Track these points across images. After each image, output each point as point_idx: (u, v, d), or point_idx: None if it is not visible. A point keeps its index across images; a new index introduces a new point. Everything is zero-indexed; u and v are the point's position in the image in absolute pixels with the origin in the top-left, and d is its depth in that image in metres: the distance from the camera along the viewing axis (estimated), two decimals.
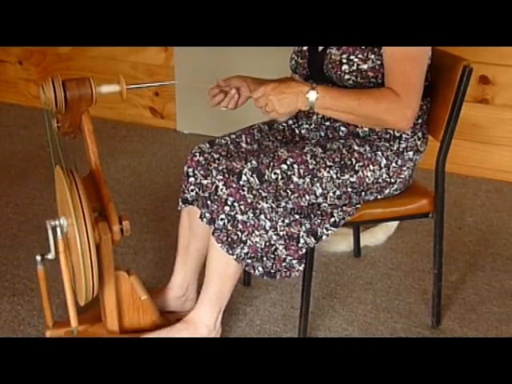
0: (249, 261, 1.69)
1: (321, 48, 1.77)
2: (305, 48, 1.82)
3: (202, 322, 1.76)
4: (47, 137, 1.62)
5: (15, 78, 3.82)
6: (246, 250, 1.67)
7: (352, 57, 1.69)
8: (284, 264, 1.70)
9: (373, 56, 1.68)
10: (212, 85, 1.79)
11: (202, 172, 1.80)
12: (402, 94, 1.61)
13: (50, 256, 1.60)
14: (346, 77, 1.70)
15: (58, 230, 1.56)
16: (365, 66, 1.69)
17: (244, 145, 1.86)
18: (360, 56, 1.68)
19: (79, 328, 1.72)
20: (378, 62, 1.69)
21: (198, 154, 1.81)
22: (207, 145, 1.84)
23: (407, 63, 1.63)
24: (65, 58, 3.63)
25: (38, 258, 1.69)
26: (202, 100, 1.81)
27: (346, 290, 2.18)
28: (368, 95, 1.64)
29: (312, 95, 1.61)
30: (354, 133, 1.77)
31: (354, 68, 1.69)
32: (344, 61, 1.69)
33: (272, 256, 1.69)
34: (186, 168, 1.83)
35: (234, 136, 1.87)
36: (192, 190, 1.83)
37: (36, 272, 1.73)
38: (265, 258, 1.69)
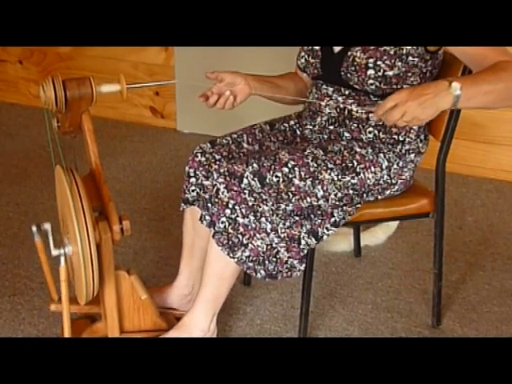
0: (250, 264, 1.68)
1: (337, 49, 1.74)
2: (317, 47, 1.79)
3: (196, 326, 1.74)
4: (47, 136, 1.62)
5: (15, 77, 3.82)
6: (247, 254, 1.67)
7: (379, 62, 1.66)
8: (286, 265, 1.70)
9: (400, 63, 1.66)
10: (212, 84, 1.79)
11: (203, 172, 1.79)
12: None
13: (47, 226, 1.58)
14: (370, 81, 1.68)
15: (62, 258, 1.53)
16: (390, 73, 1.67)
17: (245, 145, 1.85)
18: (387, 62, 1.66)
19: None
20: (403, 70, 1.67)
21: (199, 155, 1.80)
22: (208, 145, 1.83)
23: None
24: (65, 57, 3.63)
25: (34, 228, 1.65)
26: None
27: (346, 289, 2.18)
28: (493, 68, 1.51)
29: (456, 88, 1.45)
30: (357, 139, 1.75)
31: (380, 74, 1.67)
32: (370, 65, 1.67)
33: (274, 259, 1.68)
34: (187, 168, 1.82)
35: (235, 136, 1.86)
36: (193, 191, 1.82)
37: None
38: (267, 262, 1.68)
